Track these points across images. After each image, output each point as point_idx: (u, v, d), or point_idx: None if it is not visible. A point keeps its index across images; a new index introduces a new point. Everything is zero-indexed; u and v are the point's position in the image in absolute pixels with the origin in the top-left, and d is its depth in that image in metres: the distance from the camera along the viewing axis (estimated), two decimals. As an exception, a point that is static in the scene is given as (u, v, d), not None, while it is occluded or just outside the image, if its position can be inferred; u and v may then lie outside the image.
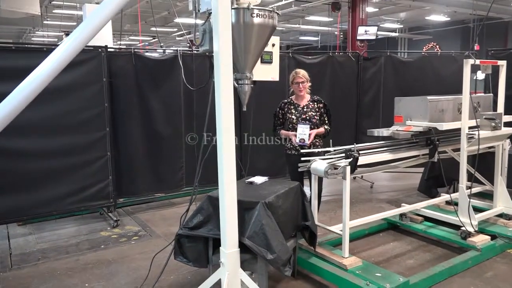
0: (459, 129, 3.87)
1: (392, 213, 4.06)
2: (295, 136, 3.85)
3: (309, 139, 3.82)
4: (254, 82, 3.67)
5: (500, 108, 4.15)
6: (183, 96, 5.37)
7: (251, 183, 3.30)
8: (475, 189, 4.35)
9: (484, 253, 3.65)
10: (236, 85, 3.45)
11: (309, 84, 4.08)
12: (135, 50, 5.04)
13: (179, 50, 5.25)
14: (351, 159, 3.33)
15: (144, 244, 4.23)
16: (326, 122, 4.06)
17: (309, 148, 3.91)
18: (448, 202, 4.54)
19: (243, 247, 2.70)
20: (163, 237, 4.38)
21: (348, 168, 3.28)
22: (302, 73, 4.00)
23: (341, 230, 3.42)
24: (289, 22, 17.68)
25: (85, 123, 4.66)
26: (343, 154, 3.42)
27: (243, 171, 5.10)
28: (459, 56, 6.70)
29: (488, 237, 3.80)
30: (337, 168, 3.34)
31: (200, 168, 2.85)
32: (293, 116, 4.00)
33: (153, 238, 4.40)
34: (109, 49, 4.79)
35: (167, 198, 5.64)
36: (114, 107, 4.89)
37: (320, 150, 3.80)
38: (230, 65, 2.62)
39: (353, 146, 3.47)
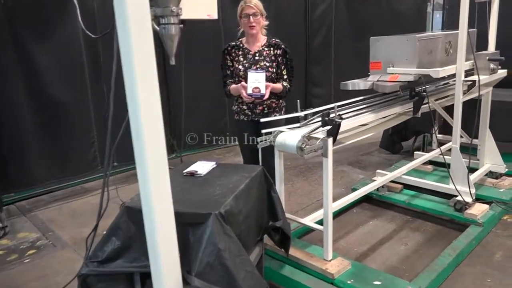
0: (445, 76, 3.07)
1: (373, 186, 3.21)
2: (245, 88, 2.77)
3: (266, 92, 2.75)
4: (183, 22, 2.49)
5: (492, 45, 3.38)
6: (85, 48, 3.98)
7: (192, 174, 2.20)
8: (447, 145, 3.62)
9: (485, 228, 2.98)
10: (157, 27, 2.26)
11: (266, 22, 2.94)
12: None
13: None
14: (331, 126, 2.36)
15: (45, 262, 3.01)
16: (285, 77, 2.96)
17: (266, 106, 2.89)
18: (430, 163, 3.83)
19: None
20: (72, 247, 3.18)
21: (330, 141, 2.30)
22: (255, 2, 2.84)
23: (320, 225, 2.51)
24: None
25: None
26: (318, 120, 2.42)
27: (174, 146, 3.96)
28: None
29: (487, 206, 3.13)
30: (314, 141, 2.35)
31: (112, 150, 1.68)
32: (240, 66, 2.89)
33: (58, 249, 3.18)
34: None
35: (77, 183, 4.33)
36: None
37: (283, 116, 2.76)
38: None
39: (332, 105, 2.49)
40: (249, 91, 2.74)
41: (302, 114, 2.53)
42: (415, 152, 4.17)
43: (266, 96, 2.76)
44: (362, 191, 3.06)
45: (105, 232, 1.90)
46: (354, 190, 3.63)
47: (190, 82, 4.49)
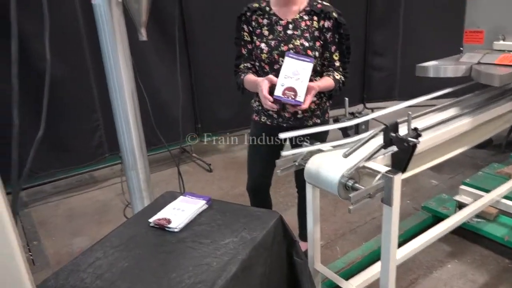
0: None
1: (460, 219, 2.18)
2: (267, 87, 1.69)
3: (305, 100, 1.68)
4: None
5: None
6: (81, 13, 3.17)
7: (161, 227, 1.35)
8: None
9: None
10: None
11: None
12: None
13: None
14: (400, 149, 1.39)
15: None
16: (337, 64, 1.88)
17: (304, 116, 1.92)
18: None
19: None
20: (52, 268, 2.53)
21: (397, 180, 1.34)
22: None
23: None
24: None
25: None
26: (379, 138, 1.45)
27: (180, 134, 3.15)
28: None
29: None
30: (369, 177, 1.40)
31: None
32: (262, 45, 1.85)
33: (36, 269, 2.55)
34: None
35: (83, 170, 3.69)
36: None
37: (323, 128, 1.70)
38: None
39: (399, 107, 1.51)
40: (278, 92, 1.66)
41: (352, 123, 1.56)
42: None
43: (305, 106, 1.68)
44: (442, 229, 2.05)
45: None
46: (425, 209, 2.65)
47: (214, 58, 3.61)
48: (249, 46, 1.93)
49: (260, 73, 1.90)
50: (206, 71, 3.78)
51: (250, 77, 1.86)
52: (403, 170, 1.41)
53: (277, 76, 1.70)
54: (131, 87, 1.71)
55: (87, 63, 3.28)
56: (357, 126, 1.60)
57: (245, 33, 1.92)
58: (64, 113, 3.29)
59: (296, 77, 1.67)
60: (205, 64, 3.75)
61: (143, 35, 1.46)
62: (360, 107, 4.64)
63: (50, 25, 2.42)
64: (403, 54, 4.34)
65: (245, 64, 1.94)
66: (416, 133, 1.41)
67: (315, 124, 1.95)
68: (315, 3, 1.85)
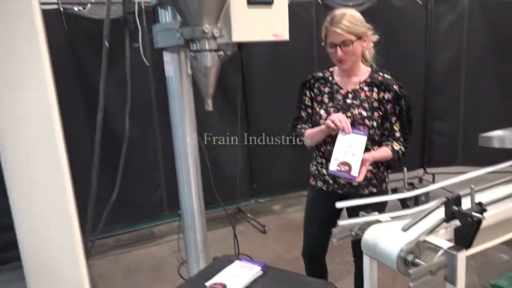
0: None
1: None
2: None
3: (360, 172, 1.74)
4: (239, 47, 1.74)
5: None
6: (152, 77, 3.49)
7: (217, 291, 1.38)
8: None
9: None
10: (191, 54, 1.56)
11: (368, 42, 1.93)
12: (65, 5, 3.13)
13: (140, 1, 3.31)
14: (464, 224, 1.34)
15: None
16: (397, 135, 1.91)
17: (360, 184, 1.92)
18: None
19: None
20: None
21: (461, 257, 1.28)
22: (348, 18, 1.83)
23: None
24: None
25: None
26: (440, 210, 1.41)
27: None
28: None
29: None
30: (431, 251, 1.35)
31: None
32: (322, 111, 1.94)
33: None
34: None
35: (141, 226, 3.85)
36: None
37: (381, 198, 1.64)
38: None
39: (460, 179, 1.47)
40: (333, 167, 1.77)
41: (411, 194, 1.54)
42: None
43: (360, 180, 1.75)
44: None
45: None
46: None
47: (272, 121, 3.74)
48: (309, 110, 2.03)
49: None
50: (263, 134, 3.90)
51: (309, 131, 1.95)
52: (468, 246, 1.35)
53: (333, 142, 1.76)
54: (195, 153, 1.83)
55: (155, 127, 3.54)
56: (416, 197, 1.56)
57: (307, 98, 2.03)
58: (129, 171, 3.52)
59: (350, 151, 1.72)
60: (263, 126, 3.88)
61: (209, 106, 1.57)
62: (420, 172, 4.49)
63: (121, 79, 2.62)
64: (466, 119, 4.23)
65: (303, 125, 2.03)
66: (481, 207, 1.36)
67: (371, 193, 1.94)
68: (375, 75, 1.92)
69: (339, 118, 1.79)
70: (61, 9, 3.10)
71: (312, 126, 2.00)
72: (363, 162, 1.71)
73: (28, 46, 0.89)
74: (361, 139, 1.74)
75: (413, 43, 4.17)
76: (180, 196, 2.02)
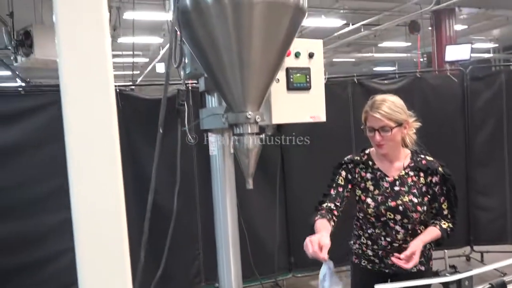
0: None
1: None
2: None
3: (411, 260, 1.75)
4: (278, 129, 1.88)
5: None
6: (196, 161, 3.68)
7: None
8: None
9: None
10: (235, 137, 1.69)
11: (409, 129, 1.93)
12: (120, 87, 3.47)
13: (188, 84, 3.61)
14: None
15: None
16: (445, 213, 1.92)
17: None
18: None
19: None
20: None
21: None
22: (389, 105, 1.85)
23: None
24: (360, 52, 15.76)
25: (44, 199, 3.15)
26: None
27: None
28: None
29: None
30: None
31: None
32: (369, 200, 1.92)
33: None
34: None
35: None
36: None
37: (423, 281, 1.60)
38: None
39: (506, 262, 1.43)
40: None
41: (453, 278, 1.50)
42: None
43: (409, 266, 1.76)
44: None
45: None
46: None
47: (308, 196, 3.77)
48: (339, 189, 1.99)
49: (365, 223, 1.99)
50: (301, 209, 3.92)
51: (320, 224, 1.88)
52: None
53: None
54: (235, 229, 1.90)
55: (196, 200, 3.66)
56: (459, 281, 1.52)
57: (341, 178, 2.01)
58: (171, 243, 3.60)
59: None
60: (300, 202, 3.90)
61: (250, 184, 1.66)
62: (467, 249, 4.27)
63: (171, 165, 2.78)
64: (513, 194, 4.08)
65: (329, 204, 1.96)
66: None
67: (419, 271, 1.91)
68: (418, 159, 1.93)
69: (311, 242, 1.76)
70: (116, 90, 3.43)
71: (340, 206, 1.97)
72: (414, 250, 1.72)
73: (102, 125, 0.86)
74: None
75: (450, 118, 4.19)
76: (218, 270, 2.05)
